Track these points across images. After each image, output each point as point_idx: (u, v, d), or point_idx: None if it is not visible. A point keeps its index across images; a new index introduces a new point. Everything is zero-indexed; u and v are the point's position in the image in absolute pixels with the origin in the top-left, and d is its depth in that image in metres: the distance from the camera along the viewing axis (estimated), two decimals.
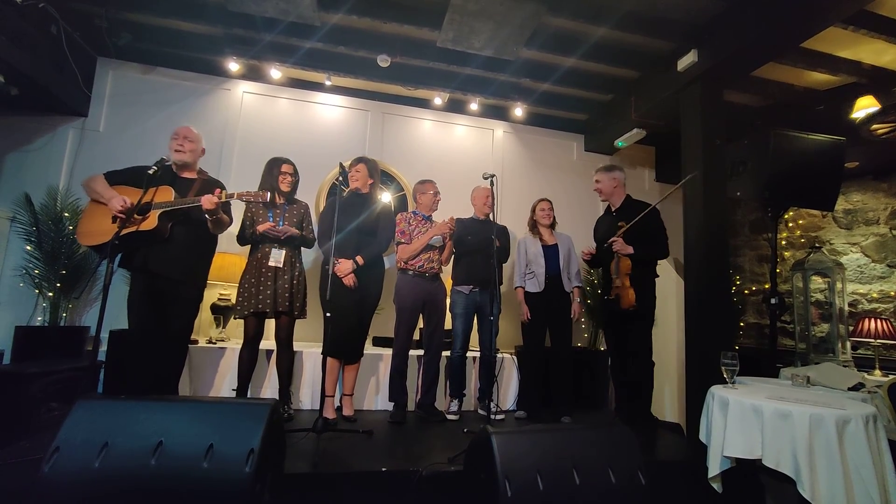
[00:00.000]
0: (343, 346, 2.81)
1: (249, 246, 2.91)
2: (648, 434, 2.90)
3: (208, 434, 1.41)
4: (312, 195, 3.88)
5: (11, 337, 3.00)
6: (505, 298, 3.58)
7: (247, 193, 2.50)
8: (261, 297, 2.73)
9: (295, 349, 2.96)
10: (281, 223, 2.83)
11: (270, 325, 2.87)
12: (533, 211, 3.40)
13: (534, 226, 3.35)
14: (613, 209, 3.16)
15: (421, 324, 3.15)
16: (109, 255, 2.06)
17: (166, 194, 2.39)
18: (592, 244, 3.28)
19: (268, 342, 2.95)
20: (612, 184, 3.12)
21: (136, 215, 2.29)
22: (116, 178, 2.49)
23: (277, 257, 2.77)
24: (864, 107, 3.37)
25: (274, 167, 2.92)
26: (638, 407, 2.90)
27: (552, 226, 3.37)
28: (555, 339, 3.26)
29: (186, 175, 2.59)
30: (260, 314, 2.76)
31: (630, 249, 2.85)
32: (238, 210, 2.92)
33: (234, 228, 2.94)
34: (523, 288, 3.25)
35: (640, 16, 3.11)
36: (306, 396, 3.18)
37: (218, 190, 2.47)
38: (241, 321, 2.80)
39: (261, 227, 2.77)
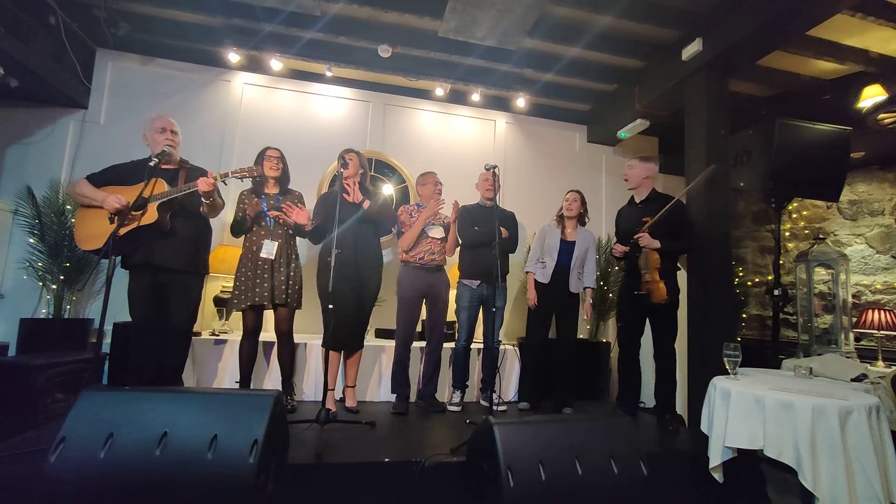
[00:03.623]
0: (343, 337, 2.81)
1: (244, 238, 2.86)
2: (655, 425, 2.92)
3: (212, 425, 1.41)
4: (314, 187, 3.87)
5: (16, 329, 3.02)
6: (509, 290, 3.57)
7: (239, 170, 2.52)
8: (257, 289, 2.71)
9: (298, 341, 2.96)
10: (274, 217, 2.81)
11: (270, 316, 2.87)
12: (563, 201, 3.32)
13: (560, 217, 3.28)
14: (638, 201, 3.09)
15: (424, 315, 3.16)
16: (111, 249, 2.06)
17: (160, 186, 2.39)
18: (596, 236, 3.27)
19: (269, 334, 2.96)
20: (643, 174, 3.04)
21: (133, 211, 2.29)
22: (100, 180, 2.48)
23: (269, 249, 2.75)
24: (871, 96, 3.34)
25: (260, 155, 2.88)
26: (668, 400, 2.91)
27: (580, 219, 3.28)
28: (556, 332, 3.26)
29: (170, 166, 2.58)
30: (257, 307, 2.74)
31: (656, 244, 2.80)
32: (231, 200, 2.91)
33: (229, 218, 2.92)
34: (533, 273, 3.24)
35: (644, 4, 3.07)
36: (309, 388, 3.20)
37: (210, 172, 2.48)
38: (241, 313, 2.80)
39: (249, 210, 2.76)
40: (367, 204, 2.80)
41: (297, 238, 2.95)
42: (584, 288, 3.22)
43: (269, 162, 2.85)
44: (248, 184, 2.86)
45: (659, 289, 2.77)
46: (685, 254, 2.98)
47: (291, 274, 2.81)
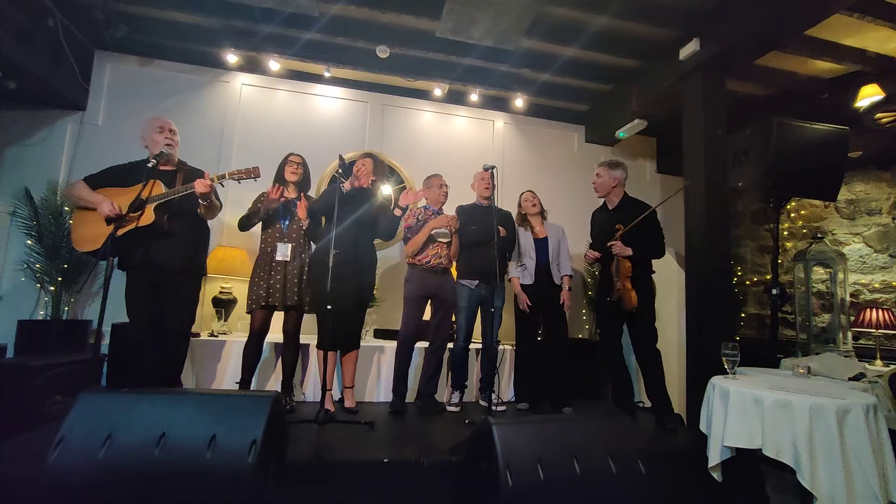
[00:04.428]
0: (340, 337, 2.81)
1: (260, 241, 2.89)
2: (654, 424, 2.92)
3: (211, 425, 1.41)
4: (313, 187, 3.84)
5: (14, 331, 3.02)
6: (507, 289, 3.58)
7: (236, 171, 2.52)
8: (271, 290, 2.73)
9: (303, 342, 2.97)
10: (288, 220, 2.84)
11: (276, 319, 2.87)
12: (519, 205, 3.42)
13: (523, 218, 3.35)
14: (611, 207, 3.14)
15: (428, 316, 3.16)
16: (109, 250, 2.06)
17: (158, 188, 2.40)
18: (590, 237, 3.30)
19: (273, 335, 2.96)
20: (611, 182, 3.09)
21: (130, 213, 2.29)
22: (97, 181, 2.49)
23: (284, 251, 2.78)
24: (869, 95, 3.34)
25: (283, 160, 2.96)
26: (662, 400, 2.92)
27: (542, 215, 3.38)
28: (549, 330, 3.27)
29: (168, 168, 2.58)
30: (269, 307, 2.76)
31: (629, 251, 2.86)
32: (229, 202, 2.91)
33: (231, 217, 2.94)
34: (517, 278, 3.26)
35: (641, 4, 3.07)
36: (310, 389, 3.20)
37: (207, 173, 2.49)
38: (247, 314, 2.80)
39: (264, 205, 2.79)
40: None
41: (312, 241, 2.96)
42: (563, 276, 3.26)
43: (290, 167, 2.91)
44: (245, 185, 2.86)
45: (630, 297, 2.82)
46: (654, 259, 3.02)
47: (305, 277, 2.82)
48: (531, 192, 3.42)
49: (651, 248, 2.96)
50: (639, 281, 2.88)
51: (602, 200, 3.27)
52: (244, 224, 2.88)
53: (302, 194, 2.92)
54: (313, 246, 2.97)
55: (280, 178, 2.92)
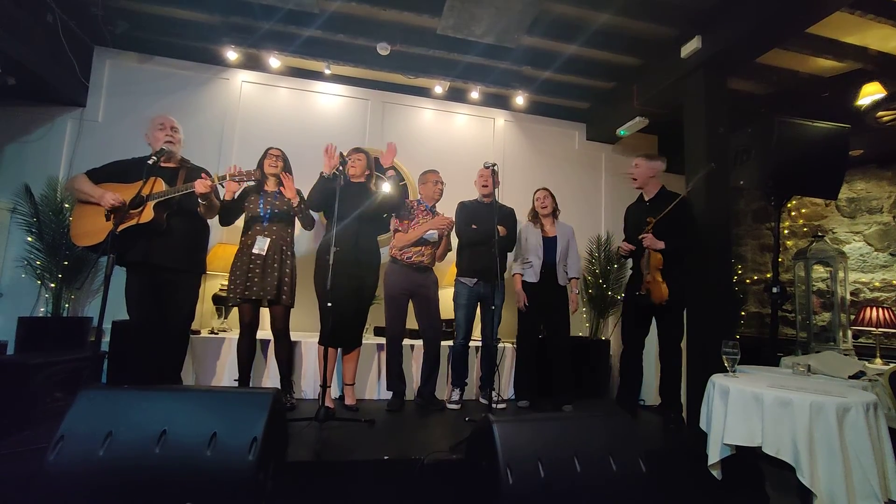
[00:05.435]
0: (341, 334, 2.81)
1: (241, 235, 2.86)
2: (655, 422, 2.92)
3: (211, 423, 1.41)
4: (312, 185, 3.85)
5: (14, 328, 3.01)
6: (507, 287, 3.58)
7: (238, 172, 2.52)
8: (248, 283, 2.70)
9: (296, 339, 2.96)
10: (270, 211, 2.81)
11: (267, 314, 2.87)
12: (533, 201, 3.39)
13: (535, 216, 3.34)
14: (647, 199, 3.08)
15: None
16: (109, 247, 2.06)
17: (158, 185, 2.40)
18: (595, 234, 3.28)
19: (268, 332, 2.96)
20: (649, 172, 3.03)
21: (130, 210, 2.29)
22: (99, 176, 2.49)
23: (261, 245, 2.74)
24: (870, 93, 3.34)
25: (263, 154, 2.92)
26: (675, 399, 2.89)
27: (554, 214, 3.35)
28: (551, 329, 3.27)
29: (170, 165, 2.57)
30: (252, 301, 2.74)
31: (661, 244, 2.78)
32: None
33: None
34: (521, 275, 3.25)
35: (643, 1, 3.06)
36: (308, 386, 3.20)
37: (205, 174, 2.48)
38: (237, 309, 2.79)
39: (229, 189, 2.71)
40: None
41: (294, 236, 2.93)
42: (570, 279, 3.26)
43: (269, 160, 2.88)
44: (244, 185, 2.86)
45: (660, 289, 2.75)
46: (691, 253, 2.95)
47: (287, 272, 2.80)
48: (546, 189, 3.36)
49: (684, 241, 2.85)
50: (672, 275, 2.79)
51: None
52: (223, 216, 2.83)
53: (283, 173, 2.85)
54: (294, 246, 2.94)
55: (261, 173, 2.89)
